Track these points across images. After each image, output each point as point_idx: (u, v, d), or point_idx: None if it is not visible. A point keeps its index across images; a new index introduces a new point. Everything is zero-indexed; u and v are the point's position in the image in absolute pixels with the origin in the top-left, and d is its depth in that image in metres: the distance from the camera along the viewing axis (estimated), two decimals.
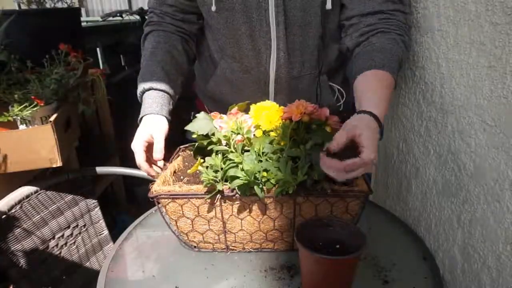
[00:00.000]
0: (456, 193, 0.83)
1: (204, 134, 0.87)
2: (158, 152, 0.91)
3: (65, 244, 1.19)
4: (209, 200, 0.78)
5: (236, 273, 0.82)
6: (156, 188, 0.80)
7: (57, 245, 1.16)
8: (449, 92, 0.83)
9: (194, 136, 0.88)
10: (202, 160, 0.82)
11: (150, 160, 0.92)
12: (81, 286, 1.19)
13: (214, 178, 0.77)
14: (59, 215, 1.18)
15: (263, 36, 0.95)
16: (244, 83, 1.04)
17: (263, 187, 0.76)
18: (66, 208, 1.20)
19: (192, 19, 1.06)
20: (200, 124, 0.88)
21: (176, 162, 0.94)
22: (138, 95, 1.01)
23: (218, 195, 0.78)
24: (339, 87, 1.07)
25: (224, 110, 0.90)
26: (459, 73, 0.79)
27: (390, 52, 0.88)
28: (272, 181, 0.76)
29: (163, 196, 0.79)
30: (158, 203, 0.81)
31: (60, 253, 1.17)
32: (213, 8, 0.95)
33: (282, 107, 0.88)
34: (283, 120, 0.85)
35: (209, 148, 0.86)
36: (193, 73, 1.21)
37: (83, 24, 2.27)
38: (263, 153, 0.81)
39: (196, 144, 0.89)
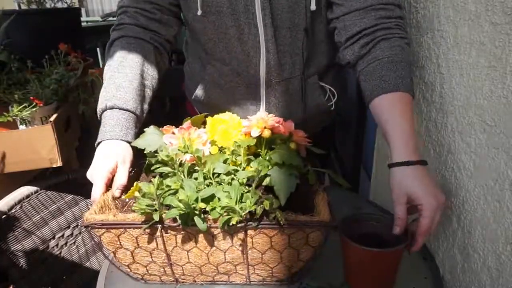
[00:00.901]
0: (456, 193, 0.83)
1: (153, 151, 0.78)
2: (123, 180, 0.79)
3: (65, 244, 1.19)
4: (148, 230, 0.69)
5: None
6: (88, 216, 0.69)
7: (57, 245, 1.16)
8: (449, 92, 0.83)
9: (146, 151, 0.79)
10: (140, 185, 0.70)
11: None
12: (81, 286, 1.19)
13: (149, 208, 0.67)
14: (59, 215, 1.18)
15: (252, 39, 0.92)
16: (235, 87, 1.01)
17: (208, 216, 0.66)
18: (66, 208, 1.20)
19: (169, 22, 0.98)
20: (149, 140, 0.79)
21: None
22: (98, 112, 0.88)
23: (158, 225, 0.68)
24: (329, 87, 1.05)
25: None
26: (459, 73, 0.79)
27: (400, 65, 0.83)
28: (218, 209, 0.66)
29: (96, 225, 0.69)
30: (91, 233, 0.71)
31: (60, 253, 1.17)
32: (199, 12, 0.90)
33: (242, 120, 0.80)
34: (244, 136, 0.75)
35: (152, 168, 0.75)
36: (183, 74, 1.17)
37: (83, 24, 2.28)
38: (213, 174, 0.71)
39: (146, 162, 0.79)
